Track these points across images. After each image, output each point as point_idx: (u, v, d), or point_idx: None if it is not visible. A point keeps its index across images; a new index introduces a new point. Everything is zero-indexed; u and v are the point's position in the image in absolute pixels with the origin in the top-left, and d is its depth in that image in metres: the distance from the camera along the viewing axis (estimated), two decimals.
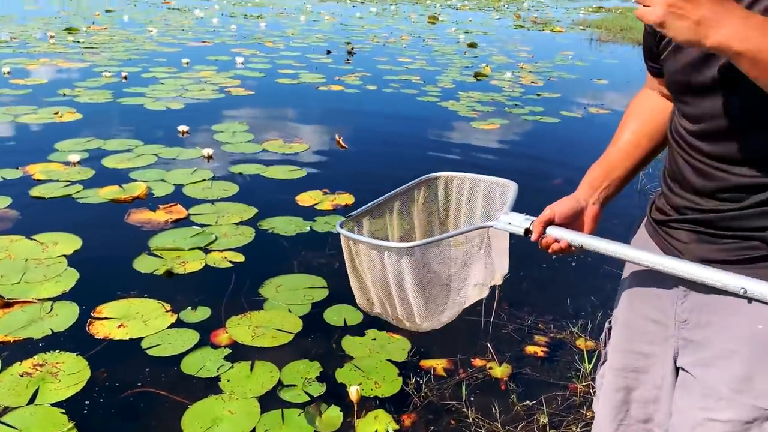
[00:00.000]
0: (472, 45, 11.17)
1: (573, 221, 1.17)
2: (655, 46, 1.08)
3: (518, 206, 1.23)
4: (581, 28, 15.31)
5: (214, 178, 4.26)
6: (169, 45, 9.38)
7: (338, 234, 1.30)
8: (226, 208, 3.78)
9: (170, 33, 10.58)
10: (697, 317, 1.03)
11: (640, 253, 1.03)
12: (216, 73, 7.57)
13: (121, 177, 4.16)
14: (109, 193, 3.89)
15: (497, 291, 2.83)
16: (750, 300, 0.92)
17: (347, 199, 3.97)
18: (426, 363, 2.46)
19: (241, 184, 4.17)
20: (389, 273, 1.24)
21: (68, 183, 4.02)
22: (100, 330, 2.55)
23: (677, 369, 1.08)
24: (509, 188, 1.33)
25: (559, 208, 1.16)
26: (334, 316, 2.74)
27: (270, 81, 7.44)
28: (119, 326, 2.58)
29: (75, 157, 4.37)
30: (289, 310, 2.76)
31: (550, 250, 1.13)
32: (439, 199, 1.46)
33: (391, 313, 1.30)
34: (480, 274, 1.33)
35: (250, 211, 3.74)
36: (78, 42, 9.18)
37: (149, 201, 3.82)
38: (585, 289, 3.03)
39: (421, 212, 1.45)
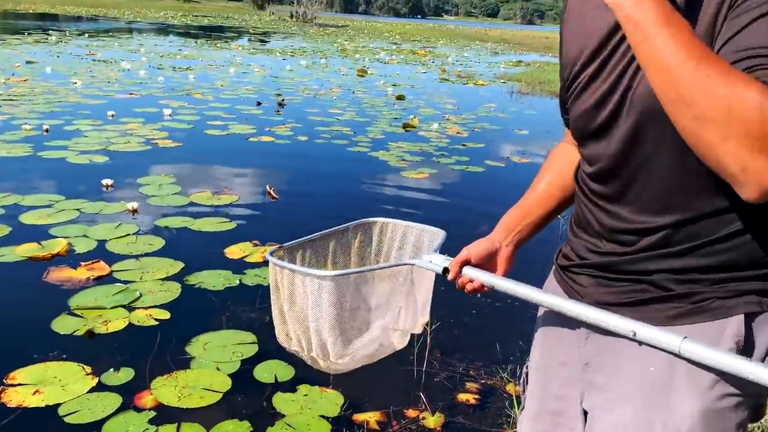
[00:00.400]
0: (400, 97, 11.47)
1: (488, 261, 1.24)
2: (564, 95, 1.15)
3: (446, 252, 1.28)
4: (502, 81, 15.99)
5: (138, 233, 4.15)
6: (94, 97, 9.18)
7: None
8: (151, 263, 3.68)
9: (95, 85, 10.38)
10: (597, 360, 1.07)
11: (544, 295, 1.09)
12: (143, 125, 7.46)
13: (40, 233, 3.99)
14: (26, 250, 3.73)
15: (429, 339, 2.85)
16: (640, 343, 0.96)
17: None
18: (359, 417, 2.44)
19: (167, 238, 4.08)
20: (309, 304, 1.24)
21: None
22: (13, 398, 2.41)
23: (585, 412, 1.11)
24: (438, 236, 1.38)
25: (475, 249, 1.23)
26: (265, 372, 2.68)
27: (198, 132, 7.38)
28: (35, 392, 2.44)
29: None
30: (218, 368, 2.69)
31: (465, 290, 1.19)
32: (373, 244, 1.49)
33: (307, 350, 1.30)
34: (401, 316, 1.35)
35: (177, 266, 3.65)
36: None
37: (70, 258, 3.68)
38: (513, 334, 3.10)
39: (355, 255, 1.48)
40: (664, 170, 0.96)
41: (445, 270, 1.20)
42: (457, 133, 8.41)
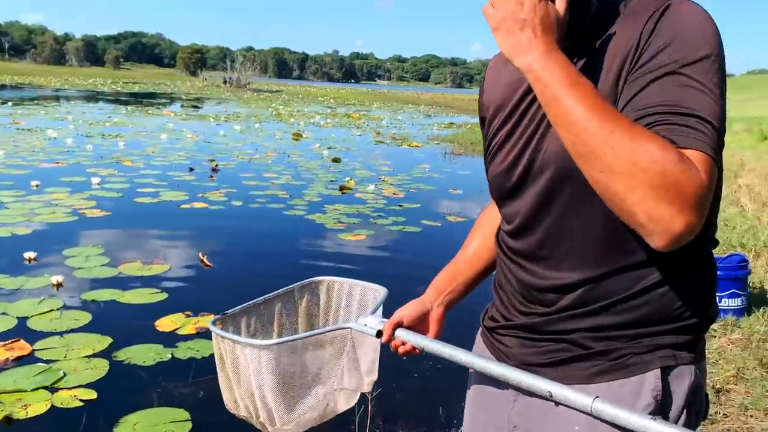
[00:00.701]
0: (336, 160, 11.57)
1: (420, 323, 1.26)
2: (485, 156, 1.18)
3: (387, 312, 1.28)
4: (436, 142, 16.42)
5: (63, 308, 3.95)
6: (17, 167, 8.86)
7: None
8: (76, 340, 3.49)
9: (19, 154, 10.04)
10: (525, 422, 1.07)
11: (471, 357, 1.09)
12: (69, 195, 7.21)
13: None
14: None
15: (370, 406, 2.79)
16: (557, 403, 0.97)
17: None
18: None
19: (94, 313, 3.90)
20: (252, 372, 1.22)
21: None
22: None
23: None
24: (380, 294, 1.38)
25: (407, 311, 1.25)
26: None
27: (128, 201, 7.19)
28: None
29: None
30: None
31: (398, 352, 1.21)
32: (321, 303, 1.48)
33: (255, 416, 1.27)
34: (346, 377, 1.33)
35: (104, 342, 3.48)
36: None
37: None
38: (456, 396, 3.06)
39: (303, 315, 1.46)
40: (576, 228, 0.99)
41: (379, 333, 1.21)
42: (394, 194, 8.52)
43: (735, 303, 3.76)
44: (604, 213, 0.94)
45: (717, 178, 0.88)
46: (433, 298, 1.30)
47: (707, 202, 0.83)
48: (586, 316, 1.00)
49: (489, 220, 1.35)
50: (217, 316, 1.28)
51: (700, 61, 0.87)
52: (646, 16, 0.92)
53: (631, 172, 0.81)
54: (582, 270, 0.99)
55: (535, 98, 0.99)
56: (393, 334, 1.20)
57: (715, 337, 3.59)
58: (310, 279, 1.47)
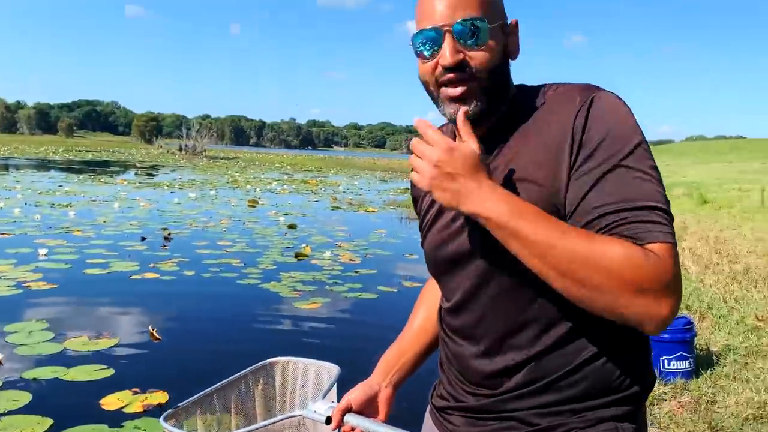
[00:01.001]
0: (292, 226, 11.56)
1: (369, 406, 1.25)
2: (426, 243, 1.22)
3: (346, 385, 1.27)
4: (392, 207, 16.60)
5: (1, 388, 3.76)
6: None
7: None
8: (14, 422, 3.32)
9: None
10: None
11: None
12: (14, 267, 6.98)
13: None
14: None
15: None
16: None
17: (161, 397, 3.70)
18: None
19: (35, 392, 3.72)
20: None
21: None
22: None
23: None
24: (333, 373, 1.37)
25: (355, 395, 1.24)
26: None
27: (77, 272, 7.00)
28: None
29: None
30: None
31: None
32: (277, 385, 1.44)
33: None
34: None
35: (44, 423, 3.31)
36: None
37: None
38: None
39: (260, 399, 1.41)
40: (511, 309, 1.02)
41: (328, 419, 1.20)
42: (350, 260, 8.51)
43: (683, 365, 3.83)
44: (539, 295, 0.98)
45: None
46: (381, 378, 1.30)
47: (679, 281, 0.91)
48: (531, 395, 1.02)
49: (432, 292, 1.37)
50: (169, 411, 1.22)
51: (635, 149, 0.94)
52: (572, 109, 0.98)
53: (606, 285, 0.88)
54: (521, 350, 1.02)
55: None
56: (342, 419, 1.19)
57: (665, 400, 3.64)
58: (263, 362, 1.44)
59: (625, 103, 1.00)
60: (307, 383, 1.43)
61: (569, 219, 0.95)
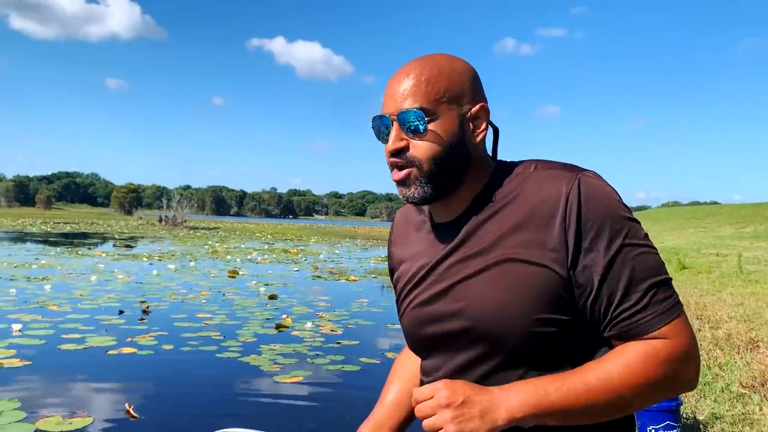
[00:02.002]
0: (272, 297, 11.44)
1: None
2: (398, 308, 1.23)
3: None
4: (373, 276, 16.55)
5: None
6: None
7: None
8: None
9: None
10: None
11: None
12: None
13: None
14: None
15: None
16: None
17: None
18: None
19: None
20: None
21: None
22: None
23: None
24: None
25: None
26: None
27: (52, 348, 6.81)
28: None
29: None
30: None
31: None
32: None
33: None
34: None
35: None
36: None
37: None
38: None
39: None
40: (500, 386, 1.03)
41: None
42: (332, 330, 8.41)
43: None
44: (530, 369, 1.00)
45: None
46: None
47: (694, 339, 1.01)
48: None
49: (405, 364, 1.37)
50: None
51: (631, 225, 1.01)
52: (560, 188, 1.01)
53: (645, 401, 1.00)
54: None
55: (443, 261, 1.10)
56: None
57: None
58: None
59: (606, 182, 1.05)
60: None
61: (585, 306, 1.01)
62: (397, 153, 1.06)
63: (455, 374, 1.07)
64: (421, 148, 1.05)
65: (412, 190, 1.06)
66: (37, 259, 18.12)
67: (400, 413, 1.32)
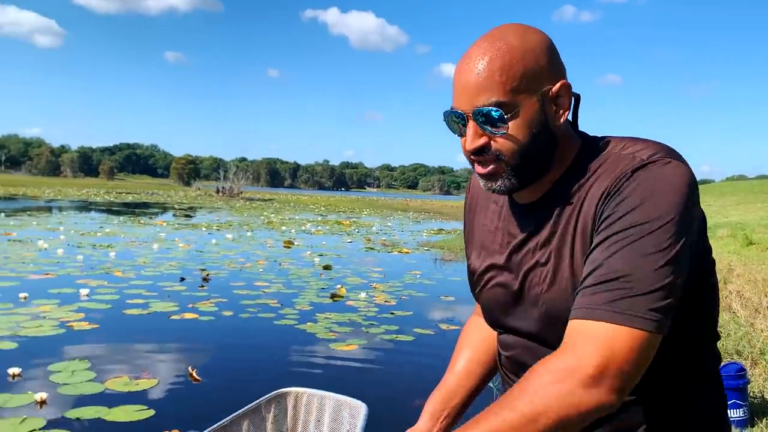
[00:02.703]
0: (327, 267, 11.58)
1: None
2: (471, 280, 1.22)
3: (378, 427, 1.23)
4: (426, 248, 16.54)
5: (46, 427, 3.80)
6: (5, 279, 8.79)
7: None
8: None
9: (8, 266, 9.99)
10: None
11: None
12: (57, 307, 7.12)
13: None
14: None
15: None
16: None
17: None
18: None
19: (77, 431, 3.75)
20: None
21: None
22: None
23: None
24: (359, 411, 1.32)
25: None
26: None
27: (117, 312, 7.10)
28: None
29: None
30: None
31: None
32: (288, 418, 1.41)
33: None
34: None
35: None
36: None
37: None
38: None
39: (271, 431, 1.38)
40: None
41: None
42: (385, 301, 8.47)
43: (737, 414, 3.68)
44: None
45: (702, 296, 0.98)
46: (430, 425, 1.27)
47: (614, 372, 0.86)
48: None
49: (474, 332, 1.35)
50: None
51: (656, 226, 0.90)
52: (609, 181, 0.96)
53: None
54: None
55: (521, 245, 1.07)
56: None
57: None
58: (276, 391, 1.41)
59: (684, 174, 0.94)
60: (323, 418, 1.38)
61: None
62: (478, 151, 1.01)
63: (529, 354, 1.07)
64: (503, 143, 0.99)
65: (499, 183, 1.02)
66: (101, 227, 18.84)
67: (470, 381, 1.31)
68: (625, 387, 0.87)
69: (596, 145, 1.03)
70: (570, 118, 1.07)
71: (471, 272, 1.21)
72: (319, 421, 1.39)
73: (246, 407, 1.34)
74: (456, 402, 1.29)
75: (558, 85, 1.00)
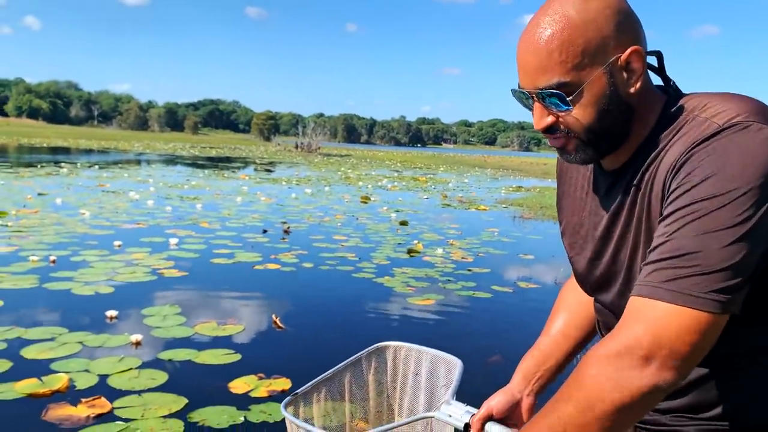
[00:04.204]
0: (403, 223, 11.64)
1: (510, 414, 1.22)
2: (565, 244, 1.20)
3: (462, 388, 1.24)
4: (504, 206, 16.31)
5: (141, 366, 4.05)
6: (101, 227, 9.33)
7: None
8: (153, 399, 3.56)
9: (103, 215, 10.59)
10: None
11: None
12: (149, 255, 7.51)
13: (41, 368, 3.90)
14: (26, 386, 3.62)
15: None
16: None
17: (284, 383, 3.83)
18: None
19: (170, 372, 3.97)
20: None
21: None
22: None
23: None
24: (454, 366, 1.34)
25: (496, 403, 1.21)
26: None
27: (205, 261, 7.42)
28: None
29: None
30: None
31: None
32: (388, 370, 1.45)
33: None
34: None
35: (180, 402, 3.53)
36: (6, 226, 9.03)
37: (70, 394, 3.56)
38: None
39: (372, 384, 1.42)
40: None
41: (467, 426, 1.16)
42: (462, 258, 8.45)
43: None
44: None
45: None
46: (522, 386, 1.26)
47: (667, 353, 0.83)
48: (697, 418, 1.00)
49: (571, 295, 1.32)
50: (289, 398, 1.24)
51: (725, 200, 0.83)
52: (681, 149, 0.91)
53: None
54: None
55: (613, 220, 1.04)
56: (482, 428, 1.15)
57: None
58: (376, 345, 1.44)
59: (766, 139, 0.84)
60: (421, 371, 1.40)
61: None
62: (548, 129, 0.98)
63: (616, 321, 1.06)
64: (571, 121, 0.95)
65: (574, 156, 0.99)
66: (188, 180, 19.62)
67: (567, 344, 1.29)
68: (681, 367, 0.83)
69: (678, 106, 0.96)
70: (652, 79, 1.00)
71: (562, 238, 1.20)
72: (417, 374, 1.42)
73: (347, 360, 1.37)
74: (550, 364, 1.27)
75: (627, 52, 0.93)
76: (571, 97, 0.92)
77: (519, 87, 0.98)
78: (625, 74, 0.94)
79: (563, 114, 0.95)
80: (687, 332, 0.82)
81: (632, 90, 0.95)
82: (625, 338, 0.84)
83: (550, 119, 0.96)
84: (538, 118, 0.97)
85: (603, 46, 0.91)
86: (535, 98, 0.95)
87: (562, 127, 0.96)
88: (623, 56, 0.92)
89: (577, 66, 0.91)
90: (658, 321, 0.83)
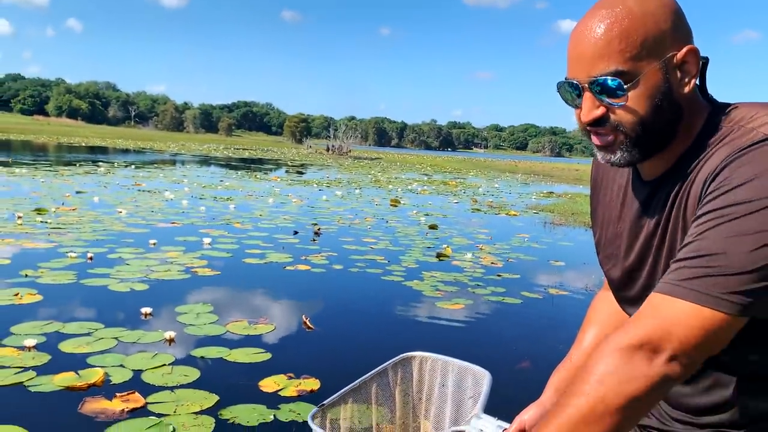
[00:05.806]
0: (433, 227, 11.63)
1: None
2: (598, 254, 1.20)
3: (498, 396, 1.24)
4: (534, 211, 16.18)
5: (174, 363, 4.13)
6: (137, 226, 9.53)
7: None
8: (186, 395, 3.63)
9: (139, 214, 10.80)
10: None
11: None
12: (183, 254, 7.64)
13: (78, 362, 4.01)
14: (63, 380, 3.72)
15: None
16: None
17: (313, 384, 3.87)
18: None
19: (202, 369, 4.05)
20: None
21: (21, 369, 3.84)
22: None
23: None
24: (482, 378, 1.34)
25: (529, 416, 1.22)
26: None
27: (237, 261, 7.52)
28: None
29: (31, 342, 4.22)
30: None
31: None
32: (414, 380, 1.45)
33: None
34: None
35: (211, 399, 3.59)
36: (46, 222, 9.28)
37: (105, 389, 3.65)
38: None
39: (398, 395, 1.43)
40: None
41: None
42: (492, 263, 8.41)
43: None
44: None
45: None
46: (555, 399, 1.25)
47: (675, 346, 0.85)
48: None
49: (604, 306, 1.32)
50: (316, 409, 1.25)
51: (755, 207, 0.83)
52: (718, 161, 0.90)
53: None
54: (728, 389, 0.99)
55: (652, 234, 1.03)
56: None
57: None
58: (402, 355, 1.45)
59: None
60: (447, 382, 1.40)
61: None
62: (596, 122, 0.97)
63: None
64: (623, 114, 0.94)
65: (618, 155, 0.98)
66: (221, 181, 19.89)
67: None
68: (688, 363, 0.85)
69: (724, 116, 0.96)
70: (698, 83, 1.00)
71: (597, 249, 1.20)
72: (443, 385, 1.42)
73: (373, 371, 1.39)
74: None
75: (684, 50, 0.93)
76: (627, 85, 0.92)
77: (568, 78, 0.98)
78: (679, 73, 0.94)
79: (616, 106, 0.94)
80: (700, 329, 0.83)
81: (685, 90, 0.95)
82: (638, 331, 0.86)
83: (600, 111, 0.95)
84: (587, 110, 0.96)
85: (661, 41, 0.92)
86: (587, 88, 0.95)
87: (612, 120, 0.95)
88: (679, 54, 0.93)
89: (635, 57, 0.91)
90: (672, 317, 0.84)
